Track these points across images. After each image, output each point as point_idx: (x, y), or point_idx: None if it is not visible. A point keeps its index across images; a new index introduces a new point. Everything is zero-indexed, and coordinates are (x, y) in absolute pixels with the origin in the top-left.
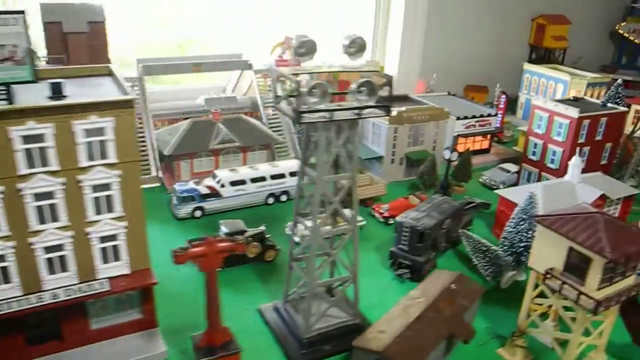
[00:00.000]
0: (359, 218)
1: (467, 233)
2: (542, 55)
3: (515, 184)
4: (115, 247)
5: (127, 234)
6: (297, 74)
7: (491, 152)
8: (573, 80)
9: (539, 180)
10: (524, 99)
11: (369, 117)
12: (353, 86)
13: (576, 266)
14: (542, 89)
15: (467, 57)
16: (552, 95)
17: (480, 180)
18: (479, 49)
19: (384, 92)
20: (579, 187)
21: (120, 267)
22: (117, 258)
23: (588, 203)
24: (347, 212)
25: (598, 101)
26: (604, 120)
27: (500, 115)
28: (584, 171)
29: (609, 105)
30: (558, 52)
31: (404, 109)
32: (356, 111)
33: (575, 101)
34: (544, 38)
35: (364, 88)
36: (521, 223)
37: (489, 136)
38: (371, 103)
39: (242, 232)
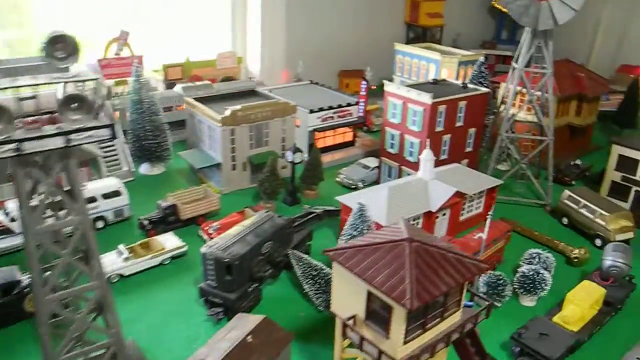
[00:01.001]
0: (179, 242)
1: (296, 254)
2: (420, 34)
3: (377, 182)
4: None
5: None
6: None
7: (357, 144)
8: (444, 59)
9: (399, 176)
10: (399, 82)
11: (86, 143)
12: (58, 103)
13: (379, 314)
14: (415, 70)
15: (339, 40)
16: (425, 76)
17: (338, 179)
18: (351, 32)
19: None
20: (432, 185)
21: None
22: None
23: (442, 202)
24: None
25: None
26: (463, 104)
27: (362, 104)
28: (447, 162)
29: (470, 86)
30: (435, 30)
31: (238, 107)
32: (64, 137)
33: (434, 84)
34: (419, 16)
35: (74, 104)
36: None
37: (353, 127)
38: (88, 123)
39: (14, 284)
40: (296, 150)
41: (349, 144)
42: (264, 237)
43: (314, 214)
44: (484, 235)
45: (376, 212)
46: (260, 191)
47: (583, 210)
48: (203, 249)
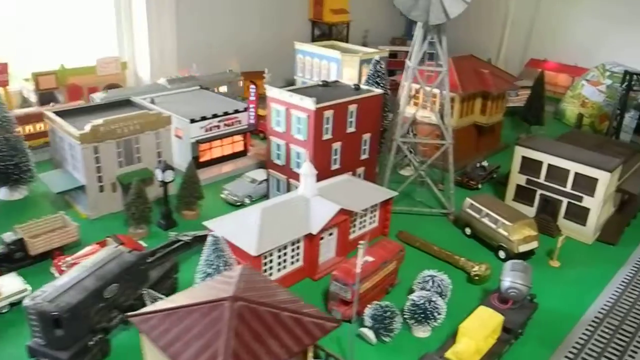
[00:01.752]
0: (21, 285)
1: (152, 295)
2: (326, 31)
3: (267, 196)
4: None
5: None
6: None
7: (250, 153)
8: (344, 58)
9: (288, 189)
10: (300, 83)
11: None
12: None
13: None
14: (317, 70)
15: (238, 40)
16: (327, 76)
17: (222, 195)
18: (253, 31)
19: None
20: (314, 203)
21: None
22: None
23: (325, 222)
24: None
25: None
26: (354, 107)
27: (253, 110)
28: (340, 171)
29: (364, 87)
30: (341, 27)
31: (100, 121)
32: None
33: (324, 86)
34: (322, 12)
35: None
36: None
37: (244, 136)
38: None
39: None
40: (166, 167)
41: (241, 154)
42: (107, 280)
43: (182, 242)
44: (359, 262)
45: (245, 240)
46: (127, 216)
47: (485, 220)
48: (26, 301)
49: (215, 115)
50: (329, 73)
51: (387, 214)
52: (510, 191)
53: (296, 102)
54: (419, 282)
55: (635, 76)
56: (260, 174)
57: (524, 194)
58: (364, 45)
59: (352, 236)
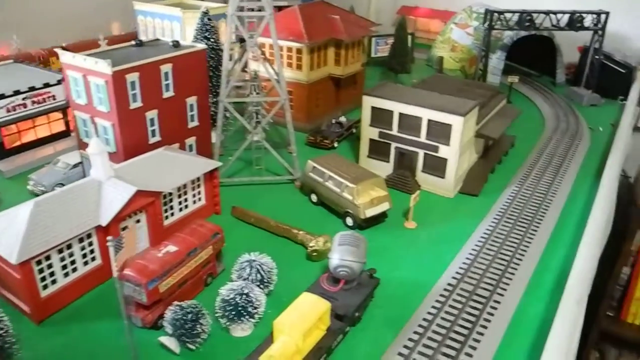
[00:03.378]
0: None
1: None
2: None
3: None
4: None
5: None
6: None
7: (75, 133)
8: (186, 15)
9: None
10: None
11: None
12: None
13: None
14: (160, 32)
15: (64, 5)
16: (171, 37)
17: (29, 187)
18: None
19: None
20: (108, 187)
21: None
22: None
23: (117, 209)
24: None
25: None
26: (167, 67)
27: None
28: (162, 144)
29: (186, 44)
30: None
31: None
32: None
33: (139, 46)
34: None
35: None
36: None
37: (66, 112)
38: None
39: None
40: None
41: (63, 135)
42: None
43: None
44: (113, 265)
45: (6, 246)
46: None
47: (329, 184)
48: None
49: (17, 92)
50: (172, 34)
51: (214, 188)
52: (364, 147)
53: (91, 66)
54: (236, 270)
55: (495, 14)
56: (74, 157)
57: (379, 149)
58: (225, 1)
59: (168, 222)
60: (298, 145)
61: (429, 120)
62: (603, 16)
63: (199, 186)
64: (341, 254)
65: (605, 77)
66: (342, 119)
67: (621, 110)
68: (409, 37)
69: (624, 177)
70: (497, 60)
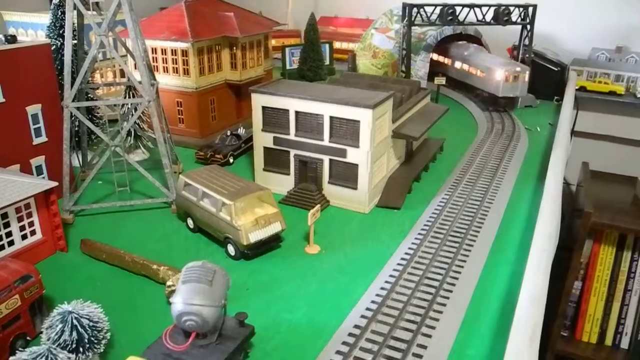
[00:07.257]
0: None
1: None
2: None
3: None
4: None
5: None
6: None
7: None
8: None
9: None
10: None
11: None
12: None
13: None
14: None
15: None
16: None
17: None
18: None
19: None
20: None
21: None
22: None
23: None
24: None
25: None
26: None
27: None
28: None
29: (25, 39)
30: None
31: None
32: None
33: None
34: None
35: None
36: None
37: None
38: None
39: None
40: None
41: None
42: None
43: None
44: None
45: None
46: None
47: (204, 203)
48: None
49: None
50: None
51: (54, 217)
52: (258, 159)
53: None
54: (45, 328)
55: (415, 8)
56: None
57: (276, 159)
58: None
59: None
60: (187, 163)
61: (332, 118)
62: (530, 9)
63: (29, 215)
64: (186, 295)
65: (538, 77)
66: (241, 130)
67: (558, 111)
68: (328, 45)
69: (565, 185)
70: (421, 62)
